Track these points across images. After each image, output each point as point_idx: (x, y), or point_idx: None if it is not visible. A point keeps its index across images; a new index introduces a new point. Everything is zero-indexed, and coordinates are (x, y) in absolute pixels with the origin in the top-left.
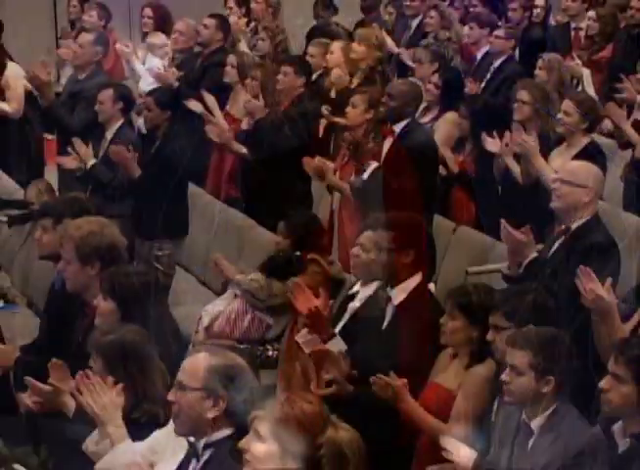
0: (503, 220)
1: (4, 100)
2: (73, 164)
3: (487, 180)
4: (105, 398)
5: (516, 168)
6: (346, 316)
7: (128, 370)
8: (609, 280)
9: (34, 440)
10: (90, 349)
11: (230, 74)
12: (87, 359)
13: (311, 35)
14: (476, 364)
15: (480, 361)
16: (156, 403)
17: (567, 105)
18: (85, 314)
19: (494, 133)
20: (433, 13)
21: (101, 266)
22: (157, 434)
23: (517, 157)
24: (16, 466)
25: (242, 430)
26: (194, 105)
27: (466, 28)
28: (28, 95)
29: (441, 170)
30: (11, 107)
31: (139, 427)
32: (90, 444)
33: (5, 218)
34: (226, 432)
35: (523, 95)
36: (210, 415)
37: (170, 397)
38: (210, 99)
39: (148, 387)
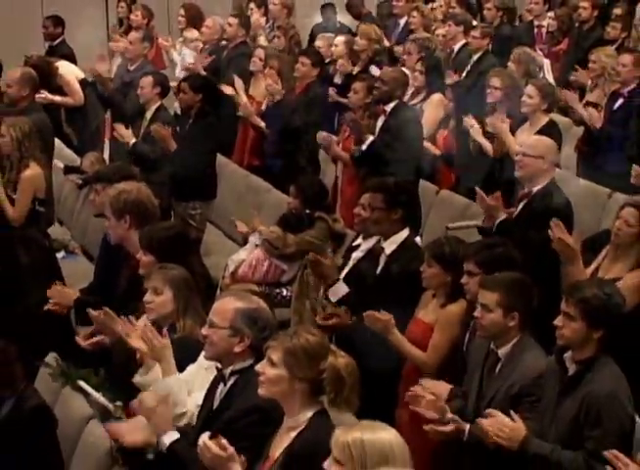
0: (477, 188)
1: (65, 94)
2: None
3: (467, 153)
4: (155, 340)
5: (486, 144)
6: (350, 264)
7: (190, 302)
8: (576, 232)
9: (94, 364)
10: (159, 281)
11: (256, 64)
12: (132, 300)
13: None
14: (450, 303)
15: (453, 301)
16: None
17: (529, 89)
18: (128, 264)
19: (471, 115)
20: (415, 13)
21: (131, 220)
22: (190, 368)
23: (486, 134)
24: (80, 382)
25: (261, 359)
26: (226, 88)
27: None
28: (82, 82)
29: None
30: (74, 99)
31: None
32: (138, 376)
33: (80, 181)
34: (249, 362)
35: (494, 82)
36: (237, 350)
37: (203, 332)
38: (239, 82)
39: (201, 315)
